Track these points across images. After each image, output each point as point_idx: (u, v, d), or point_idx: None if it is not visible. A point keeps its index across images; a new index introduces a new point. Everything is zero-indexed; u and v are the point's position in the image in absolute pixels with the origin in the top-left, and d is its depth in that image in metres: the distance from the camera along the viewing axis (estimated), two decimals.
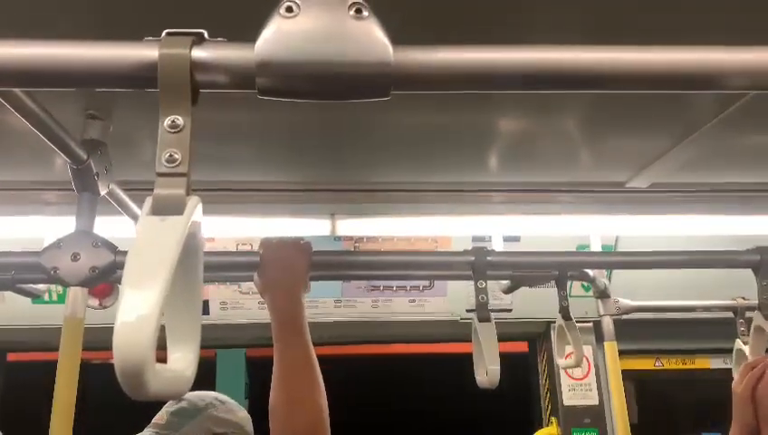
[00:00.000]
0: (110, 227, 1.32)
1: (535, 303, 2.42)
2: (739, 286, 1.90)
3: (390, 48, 0.53)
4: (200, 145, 1.42)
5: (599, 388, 2.61)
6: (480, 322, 1.32)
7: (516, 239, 2.23)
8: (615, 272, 2.40)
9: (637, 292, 1.98)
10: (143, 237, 0.45)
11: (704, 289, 2.00)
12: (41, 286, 1.75)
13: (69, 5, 0.84)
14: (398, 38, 0.54)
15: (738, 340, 1.89)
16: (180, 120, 0.51)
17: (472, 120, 1.31)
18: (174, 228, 0.45)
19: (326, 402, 1.15)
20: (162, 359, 0.46)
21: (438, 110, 1.25)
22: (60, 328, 1.16)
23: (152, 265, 0.42)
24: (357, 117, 1.27)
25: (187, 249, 0.47)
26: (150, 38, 0.54)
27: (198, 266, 0.50)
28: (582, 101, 1.24)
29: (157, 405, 1.56)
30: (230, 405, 1.56)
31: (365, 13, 0.53)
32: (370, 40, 0.52)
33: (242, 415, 1.58)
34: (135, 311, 0.40)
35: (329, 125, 1.32)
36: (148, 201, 0.48)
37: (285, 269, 1.24)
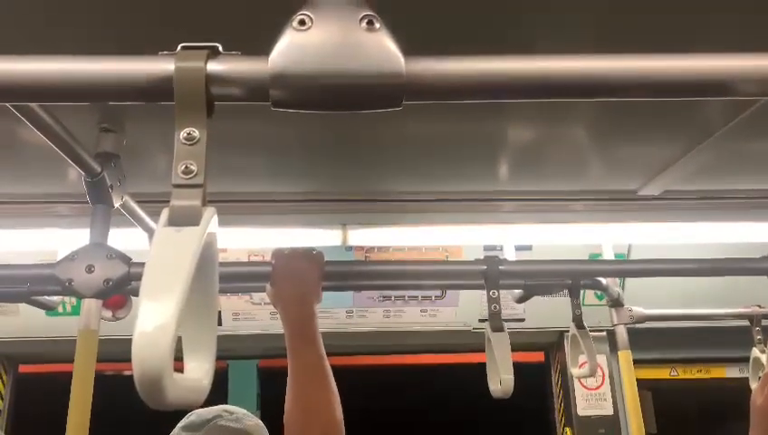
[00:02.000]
0: (123, 239, 1.33)
1: (549, 312, 2.41)
2: (755, 294, 1.89)
3: (402, 59, 0.53)
4: (213, 156, 1.43)
5: (613, 398, 2.58)
6: (493, 331, 1.31)
7: (528, 248, 2.23)
8: (628, 280, 2.38)
9: (651, 301, 1.96)
10: (160, 249, 0.45)
11: (719, 297, 1.98)
12: (55, 298, 1.76)
13: (84, 22, 0.86)
14: (409, 49, 0.55)
15: (755, 348, 1.87)
16: (196, 133, 0.51)
17: (483, 129, 1.31)
18: (190, 239, 0.45)
19: (341, 411, 1.15)
20: (179, 370, 0.47)
21: (449, 120, 1.26)
22: (73, 340, 1.17)
23: (169, 276, 0.42)
24: (368, 128, 1.28)
25: (203, 260, 0.47)
26: (166, 52, 0.55)
27: (214, 277, 0.50)
28: (593, 109, 1.24)
29: (170, 415, 1.56)
30: (238, 414, 1.57)
31: (377, 25, 0.53)
32: (382, 51, 0.53)
33: (251, 423, 1.58)
34: (153, 321, 0.40)
35: (340, 136, 1.33)
36: (165, 213, 0.48)
37: (297, 279, 1.24)
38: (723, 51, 0.61)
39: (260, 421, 1.61)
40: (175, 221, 0.47)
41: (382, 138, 1.34)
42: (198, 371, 0.48)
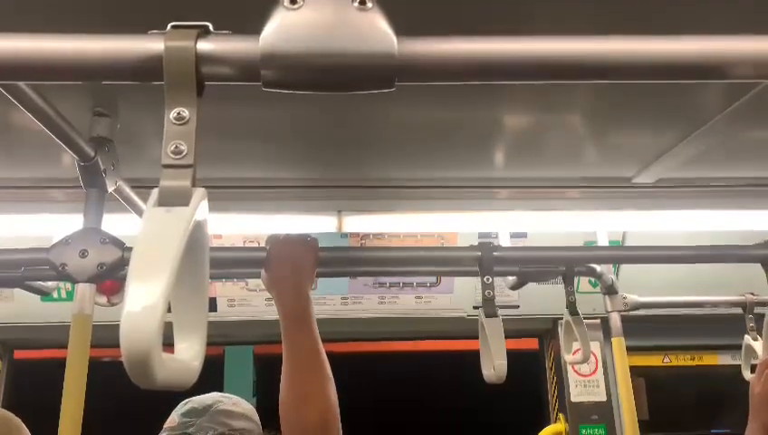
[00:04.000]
0: (117, 224, 1.32)
1: (543, 299, 2.42)
2: (749, 282, 1.89)
3: (395, 39, 0.53)
4: (208, 142, 1.43)
5: (607, 384, 2.60)
6: (487, 317, 1.32)
7: (523, 236, 2.23)
8: (623, 268, 2.39)
9: (645, 288, 1.97)
10: (149, 228, 0.45)
11: (712, 285, 1.99)
12: (50, 284, 1.76)
13: (74, 1, 0.85)
14: (402, 29, 0.54)
15: (747, 336, 1.88)
16: (186, 113, 0.51)
17: (478, 116, 1.31)
18: (180, 219, 0.45)
19: (336, 397, 1.15)
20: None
21: (445, 106, 1.25)
22: (68, 325, 1.17)
23: (158, 256, 0.42)
24: (363, 113, 1.27)
25: (193, 240, 0.47)
26: (156, 31, 0.54)
27: (205, 258, 0.50)
28: (588, 96, 1.24)
29: (164, 400, 1.57)
30: (234, 399, 1.59)
31: (369, 4, 0.53)
32: (374, 31, 0.52)
33: (247, 407, 1.60)
34: (141, 301, 0.40)
35: (335, 122, 1.32)
36: (155, 193, 0.48)
37: (292, 265, 1.24)
38: (720, 33, 0.60)
39: (251, 406, 1.64)
40: (164, 201, 0.47)
41: (378, 124, 1.34)
42: (189, 352, 0.48)
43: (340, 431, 1.14)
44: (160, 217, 0.46)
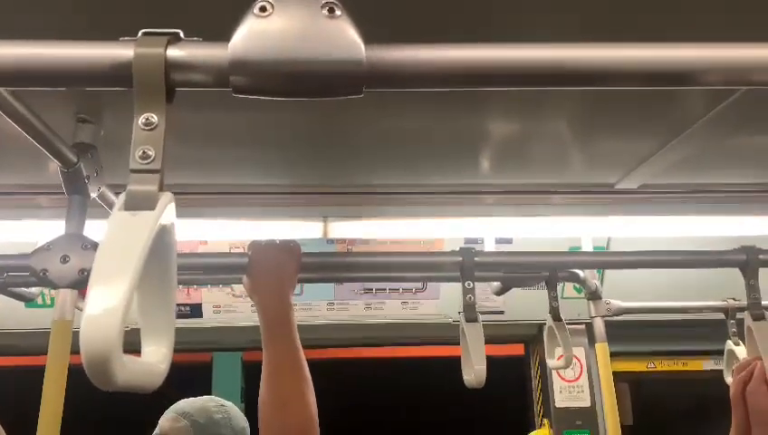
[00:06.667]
0: (100, 230, 1.32)
1: (529, 305, 2.42)
2: (733, 287, 1.91)
3: (363, 46, 0.54)
4: (191, 148, 1.43)
5: (591, 390, 2.61)
6: (467, 322, 1.32)
7: (509, 241, 2.24)
8: (607, 274, 2.41)
9: (629, 294, 1.98)
10: (113, 232, 0.46)
11: (696, 291, 2.00)
12: (34, 290, 1.75)
13: (47, 6, 0.85)
14: (371, 37, 0.55)
15: (729, 341, 1.90)
16: (155, 118, 0.51)
17: (462, 122, 1.32)
18: (145, 223, 0.45)
19: (315, 403, 1.16)
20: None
21: (430, 112, 1.26)
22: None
23: (121, 259, 0.42)
24: (350, 120, 1.28)
25: (159, 244, 0.47)
26: (127, 38, 0.55)
27: (172, 262, 0.50)
28: (571, 102, 1.25)
29: (150, 409, 1.57)
30: (221, 400, 1.63)
31: (338, 12, 0.54)
32: (342, 38, 0.53)
33: (234, 408, 1.65)
34: (102, 304, 0.40)
35: (320, 128, 1.33)
36: (121, 197, 0.48)
37: (274, 270, 1.24)
38: (700, 40, 0.62)
39: None
40: (131, 205, 0.47)
41: (364, 130, 1.34)
42: (155, 355, 0.48)
43: None
44: (125, 221, 0.46)
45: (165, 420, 1.57)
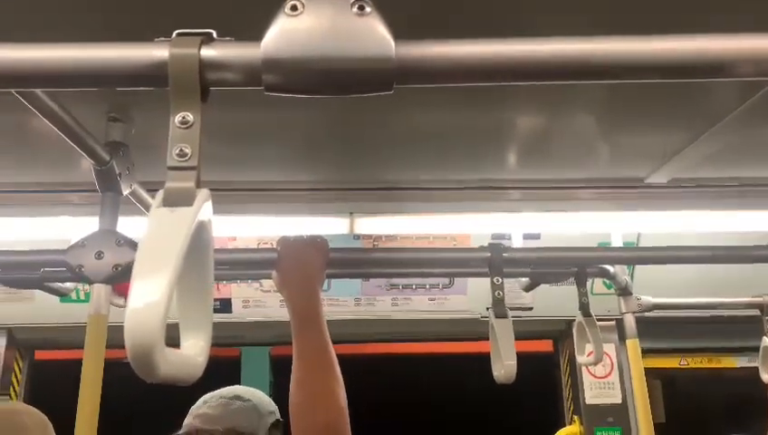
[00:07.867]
0: (132, 226, 1.35)
1: (557, 301, 2.40)
2: (766, 283, 1.87)
3: (392, 43, 0.54)
4: (221, 146, 1.44)
5: (622, 386, 2.58)
6: (497, 318, 1.32)
7: (537, 237, 2.22)
8: (638, 269, 2.37)
9: (660, 290, 1.95)
10: (154, 228, 0.47)
11: (727, 287, 1.97)
12: (68, 285, 1.79)
13: (82, 9, 0.87)
14: (401, 33, 0.55)
15: (765, 338, 1.86)
16: (190, 117, 0.52)
17: (489, 117, 1.32)
18: (183, 219, 0.47)
19: (345, 398, 1.16)
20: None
21: (456, 107, 1.26)
22: (86, 326, 1.19)
23: (162, 254, 0.44)
24: (375, 116, 1.28)
25: (197, 240, 0.48)
26: (162, 39, 0.56)
27: (209, 257, 0.52)
28: (600, 96, 1.24)
29: (179, 402, 1.59)
30: (251, 390, 1.65)
31: (368, 9, 0.54)
32: (372, 35, 0.54)
33: (265, 398, 1.67)
34: (145, 297, 0.41)
35: (347, 124, 1.33)
36: (160, 194, 0.50)
37: (302, 266, 1.26)
38: (730, 32, 0.61)
39: None
40: (169, 202, 0.49)
41: (390, 126, 1.35)
42: (194, 348, 0.50)
43: (350, 433, 1.15)
44: (164, 217, 0.47)
45: (193, 418, 1.58)
